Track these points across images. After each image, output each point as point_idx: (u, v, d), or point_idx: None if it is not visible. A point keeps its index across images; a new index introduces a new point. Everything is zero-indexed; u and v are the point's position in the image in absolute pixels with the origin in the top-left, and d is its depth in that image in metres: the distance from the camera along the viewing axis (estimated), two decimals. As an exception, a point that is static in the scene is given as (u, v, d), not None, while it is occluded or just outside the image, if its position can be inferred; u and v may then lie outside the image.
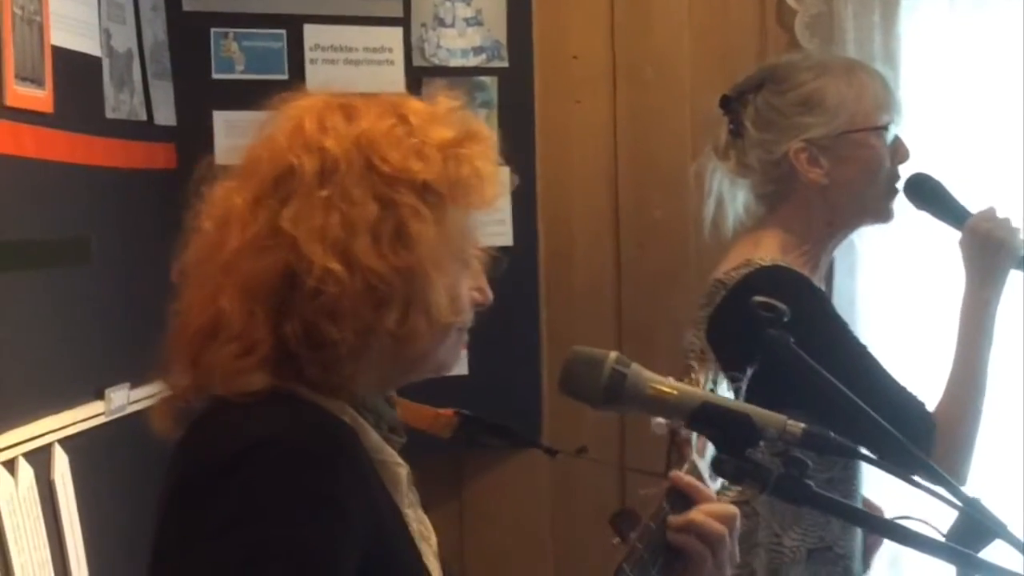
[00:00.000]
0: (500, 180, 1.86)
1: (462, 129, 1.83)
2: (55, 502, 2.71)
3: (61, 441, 2.75)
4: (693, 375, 2.27)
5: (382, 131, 1.79)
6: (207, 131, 3.48)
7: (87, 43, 2.99)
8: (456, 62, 3.74)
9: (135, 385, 3.02)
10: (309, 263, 1.72)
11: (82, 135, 2.94)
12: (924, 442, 2.78)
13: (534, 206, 3.78)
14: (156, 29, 3.42)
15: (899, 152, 3.01)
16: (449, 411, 2.37)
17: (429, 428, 2.33)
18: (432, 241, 1.76)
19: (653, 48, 3.84)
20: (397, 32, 3.70)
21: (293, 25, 3.61)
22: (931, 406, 2.86)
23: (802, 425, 1.83)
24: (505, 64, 3.78)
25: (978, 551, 1.93)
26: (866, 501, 3.09)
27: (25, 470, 2.60)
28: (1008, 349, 3.19)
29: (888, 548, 3.37)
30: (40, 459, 2.67)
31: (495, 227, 3.59)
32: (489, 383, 3.55)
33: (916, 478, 2.03)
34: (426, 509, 1.91)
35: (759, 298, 2.27)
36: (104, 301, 3.02)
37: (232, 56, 3.56)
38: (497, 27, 3.77)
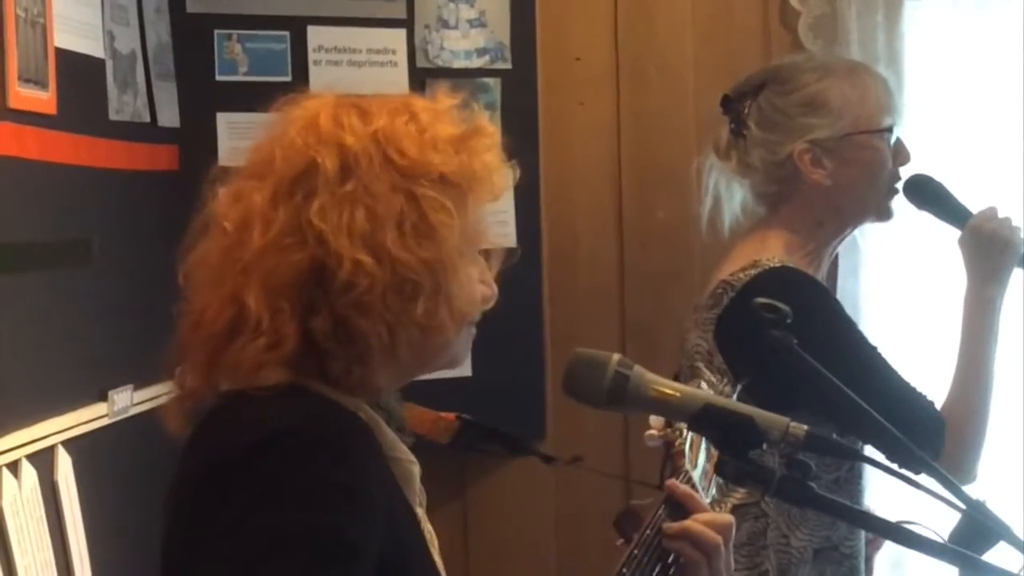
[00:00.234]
0: (505, 176, 1.88)
1: (468, 124, 1.85)
2: (58, 504, 2.71)
3: (64, 443, 2.76)
4: (705, 376, 2.28)
5: (398, 127, 1.81)
6: (210, 133, 3.48)
7: (90, 45, 2.99)
8: (459, 64, 3.74)
9: (138, 387, 3.02)
10: (339, 257, 1.74)
11: (85, 137, 2.94)
12: (935, 442, 2.80)
13: (537, 207, 3.78)
14: (160, 31, 3.42)
15: (901, 154, 3.02)
16: (451, 415, 2.37)
17: (428, 433, 2.33)
18: (454, 232, 1.78)
19: (656, 49, 3.84)
20: (401, 34, 3.70)
21: (297, 27, 3.61)
22: (938, 405, 2.87)
23: (805, 427, 1.83)
24: (508, 65, 3.78)
25: (982, 553, 1.93)
26: None
27: (28, 472, 2.60)
28: (1009, 348, 3.18)
29: (891, 550, 3.37)
30: (43, 461, 2.68)
31: (499, 228, 3.58)
32: (492, 384, 3.56)
33: (920, 480, 2.02)
34: (430, 509, 1.92)
35: (761, 300, 2.27)
36: (107, 302, 3.02)
37: (235, 58, 3.57)
38: (500, 29, 3.77)
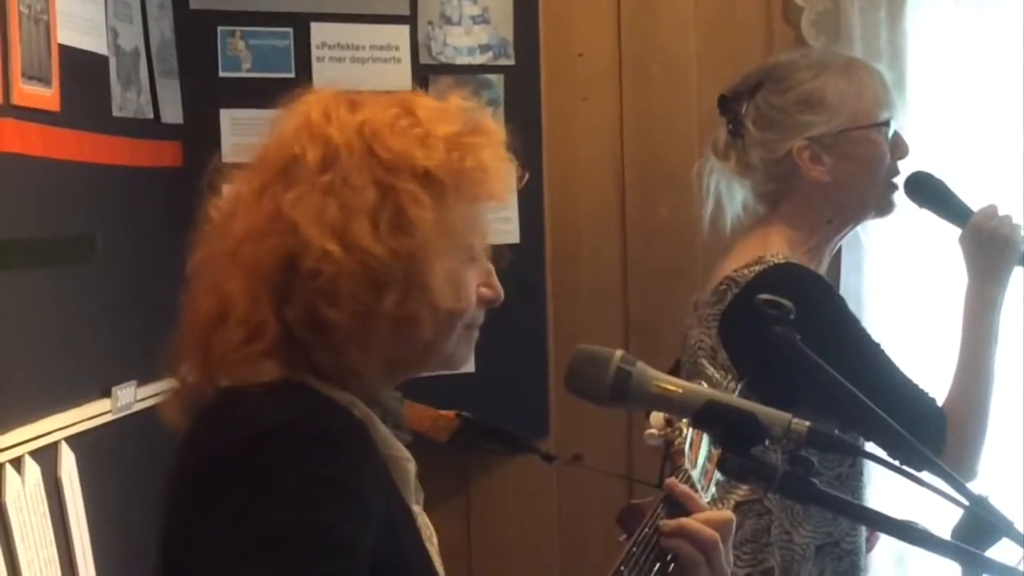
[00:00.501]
0: (509, 176, 1.87)
1: (469, 123, 1.84)
2: (62, 500, 2.71)
3: (68, 439, 2.76)
4: (708, 373, 2.28)
5: (385, 120, 1.81)
6: (214, 129, 3.48)
7: (94, 41, 2.99)
8: (463, 60, 3.74)
9: (142, 383, 3.02)
10: (307, 245, 1.75)
11: (89, 133, 2.94)
12: (937, 438, 2.81)
13: (541, 204, 3.79)
14: (163, 27, 3.42)
15: (899, 148, 3.03)
16: (450, 413, 2.37)
17: (428, 431, 2.32)
18: (431, 227, 1.77)
19: (659, 45, 3.84)
20: (404, 30, 3.70)
21: (300, 23, 3.61)
22: (939, 402, 2.88)
23: (807, 424, 1.83)
24: (511, 62, 3.78)
25: (984, 549, 1.93)
26: None
27: (32, 468, 2.60)
28: (1009, 347, 3.18)
29: (894, 546, 3.37)
30: (47, 457, 2.68)
31: (501, 225, 3.59)
32: (496, 381, 3.56)
33: (922, 476, 2.03)
34: (432, 506, 1.92)
35: (765, 296, 2.27)
36: (111, 299, 3.02)
37: (239, 54, 3.57)
38: (503, 25, 3.77)
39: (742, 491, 2.86)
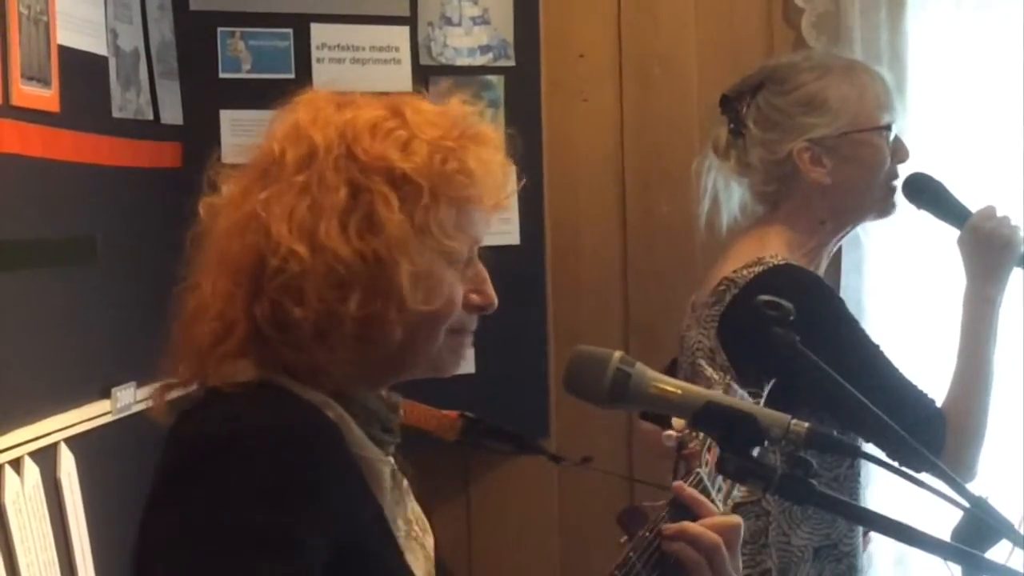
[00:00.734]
0: (502, 181, 1.85)
1: (458, 127, 1.83)
2: (61, 501, 2.71)
3: (67, 440, 2.76)
4: (707, 374, 2.27)
5: (368, 121, 1.81)
6: (214, 130, 3.48)
7: (94, 42, 2.99)
8: (463, 61, 3.74)
9: (141, 384, 3.02)
10: (276, 243, 1.76)
11: (88, 134, 2.94)
12: (936, 439, 2.81)
13: (541, 204, 3.78)
14: (163, 28, 3.42)
15: (899, 151, 3.03)
16: (453, 413, 2.37)
17: (435, 430, 2.32)
18: (400, 229, 1.77)
19: (660, 46, 3.84)
20: (404, 31, 3.70)
21: (300, 24, 3.61)
22: (938, 403, 2.88)
23: (806, 425, 1.83)
24: (512, 63, 3.78)
25: (984, 551, 1.93)
26: None
27: (31, 469, 2.60)
28: (1009, 348, 3.19)
29: (893, 548, 3.37)
30: (46, 458, 2.68)
31: (501, 225, 3.59)
32: (496, 381, 3.55)
33: (922, 477, 2.03)
34: (432, 506, 1.91)
35: (764, 297, 2.27)
36: (110, 300, 3.02)
37: (239, 55, 3.57)
38: (504, 26, 3.77)
39: (741, 491, 2.85)
